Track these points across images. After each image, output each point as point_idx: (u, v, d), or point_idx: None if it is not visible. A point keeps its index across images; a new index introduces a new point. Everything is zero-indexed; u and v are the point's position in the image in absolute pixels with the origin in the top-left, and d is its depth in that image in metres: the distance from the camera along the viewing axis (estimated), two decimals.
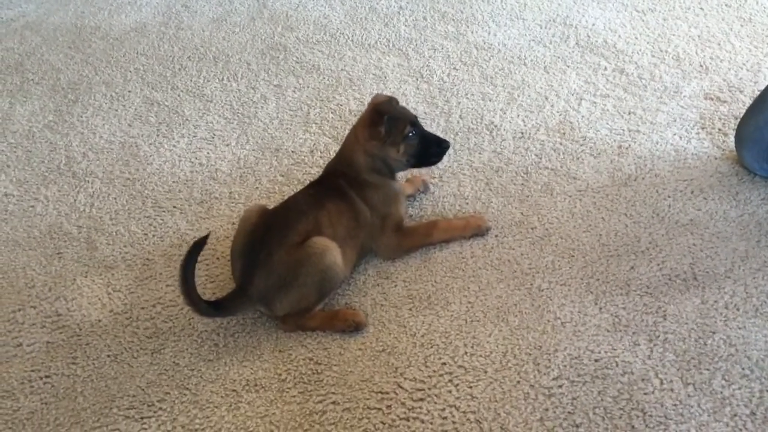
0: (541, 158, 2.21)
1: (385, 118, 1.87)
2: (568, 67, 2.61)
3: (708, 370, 1.55)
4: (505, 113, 2.42)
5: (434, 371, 1.63)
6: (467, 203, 2.08)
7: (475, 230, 1.98)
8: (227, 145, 2.45)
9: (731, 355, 1.57)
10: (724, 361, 1.56)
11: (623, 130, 2.28)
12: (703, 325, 1.64)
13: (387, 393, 1.60)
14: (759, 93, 2.00)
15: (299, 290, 1.74)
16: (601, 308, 1.72)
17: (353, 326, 1.75)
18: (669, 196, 2.01)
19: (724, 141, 2.16)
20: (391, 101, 1.97)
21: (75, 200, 2.27)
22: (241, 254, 1.78)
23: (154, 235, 2.10)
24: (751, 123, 1.98)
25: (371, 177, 1.94)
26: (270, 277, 1.73)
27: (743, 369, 1.54)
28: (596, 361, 1.60)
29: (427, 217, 2.06)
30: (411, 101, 2.55)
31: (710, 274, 1.77)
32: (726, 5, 2.86)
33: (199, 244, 1.68)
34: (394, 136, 1.90)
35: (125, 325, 1.83)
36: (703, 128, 2.23)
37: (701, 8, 2.86)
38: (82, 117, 2.69)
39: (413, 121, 1.94)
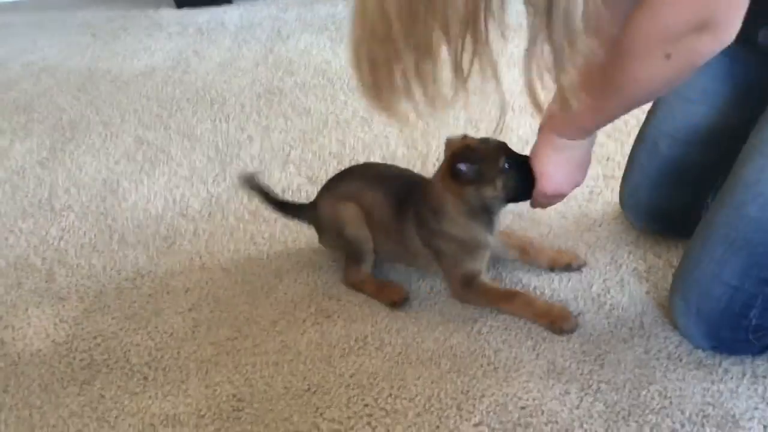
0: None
1: (466, 166, 1.61)
2: None
3: (636, 422, 1.45)
4: None
5: (354, 412, 1.57)
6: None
7: (551, 322, 1.67)
8: (204, 183, 2.47)
9: (664, 408, 1.47)
10: (655, 414, 1.46)
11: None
12: (640, 375, 1.55)
13: None
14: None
15: (329, 235, 1.95)
16: (538, 354, 1.64)
17: (391, 305, 1.83)
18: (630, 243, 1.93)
19: None
20: (467, 140, 1.70)
21: (47, 233, 2.30)
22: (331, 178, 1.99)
23: (111, 269, 2.10)
24: (625, 191, 1.94)
25: (456, 221, 1.71)
26: (315, 214, 1.95)
27: (674, 423, 1.43)
28: (522, 408, 1.51)
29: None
30: (392, 143, 2.54)
31: (659, 323, 1.67)
32: None
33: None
34: (485, 173, 1.63)
35: (63, 355, 1.82)
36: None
37: None
38: (73, 154, 2.75)
39: (505, 149, 1.65)
